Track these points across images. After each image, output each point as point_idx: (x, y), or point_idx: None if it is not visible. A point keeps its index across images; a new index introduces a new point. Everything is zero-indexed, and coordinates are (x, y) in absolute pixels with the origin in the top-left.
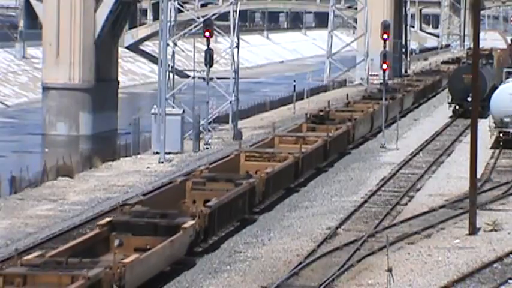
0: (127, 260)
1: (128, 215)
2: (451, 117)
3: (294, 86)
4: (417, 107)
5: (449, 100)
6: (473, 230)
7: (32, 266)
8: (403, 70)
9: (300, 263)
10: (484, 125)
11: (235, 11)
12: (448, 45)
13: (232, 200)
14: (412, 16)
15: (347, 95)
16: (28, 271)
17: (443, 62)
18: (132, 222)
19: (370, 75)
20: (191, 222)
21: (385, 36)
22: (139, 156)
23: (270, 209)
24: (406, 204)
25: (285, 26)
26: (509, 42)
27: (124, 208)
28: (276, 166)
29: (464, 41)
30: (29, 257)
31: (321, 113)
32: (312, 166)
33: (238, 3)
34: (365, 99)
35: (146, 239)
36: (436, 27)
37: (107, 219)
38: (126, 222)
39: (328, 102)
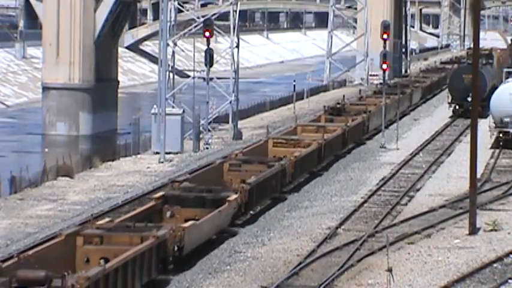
0: (186, 225)
1: (178, 190)
2: (451, 117)
3: (294, 86)
4: (424, 102)
5: (449, 100)
6: (473, 230)
7: (106, 229)
8: (403, 70)
9: (300, 263)
10: (484, 125)
11: (235, 11)
12: (448, 45)
13: (267, 179)
14: (412, 16)
15: (360, 91)
16: (104, 232)
17: (442, 63)
18: (182, 196)
19: (370, 75)
20: (234, 196)
21: (385, 36)
22: (139, 156)
23: (270, 208)
24: (406, 204)
25: (285, 26)
26: (509, 42)
27: (174, 184)
28: (303, 151)
29: (464, 41)
30: (101, 222)
31: (338, 106)
32: (332, 152)
33: (238, 3)
34: (376, 94)
35: (195, 210)
36: (436, 27)
37: (161, 193)
38: (177, 196)
39: (343, 96)
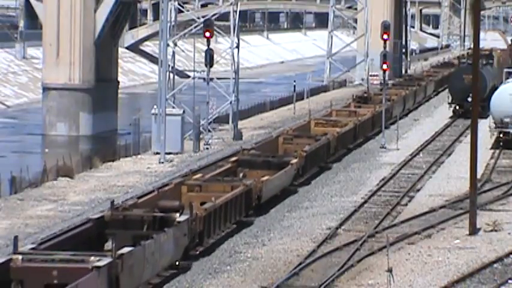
0: (263, 178)
1: (248, 155)
2: (451, 117)
3: (294, 86)
4: (436, 95)
5: (450, 100)
6: (474, 230)
7: (203, 180)
8: (403, 70)
9: (300, 263)
10: (484, 125)
11: (236, 11)
12: (448, 46)
13: (317, 149)
14: (412, 16)
15: (381, 83)
16: (202, 183)
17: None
18: (252, 160)
19: (370, 76)
20: (295, 160)
21: (385, 36)
22: (139, 156)
23: (269, 209)
24: (406, 204)
25: (285, 26)
26: (510, 42)
27: (244, 151)
28: (342, 129)
29: (464, 41)
30: (197, 176)
31: (365, 95)
32: (363, 133)
33: (238, 4)
34: (396, 86)
35: (262, 172)
36: (436, 27)
37: (235, 157)
38: (248, 160)
39: (367, 87)
